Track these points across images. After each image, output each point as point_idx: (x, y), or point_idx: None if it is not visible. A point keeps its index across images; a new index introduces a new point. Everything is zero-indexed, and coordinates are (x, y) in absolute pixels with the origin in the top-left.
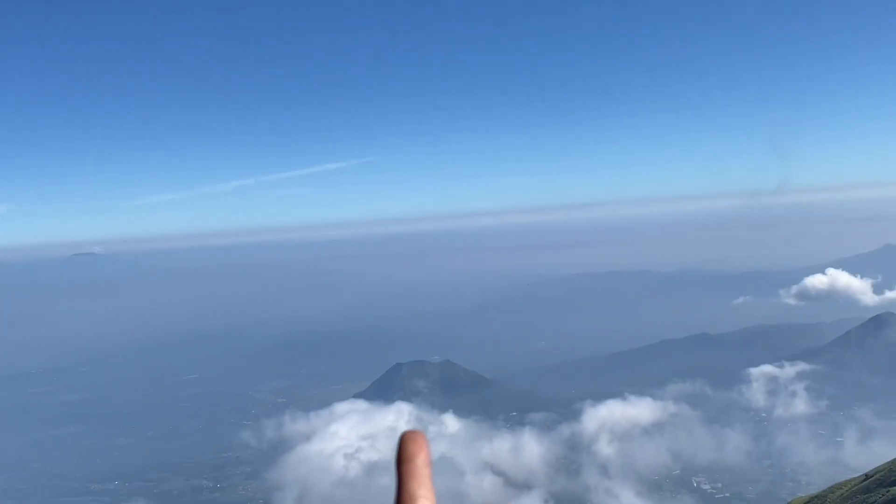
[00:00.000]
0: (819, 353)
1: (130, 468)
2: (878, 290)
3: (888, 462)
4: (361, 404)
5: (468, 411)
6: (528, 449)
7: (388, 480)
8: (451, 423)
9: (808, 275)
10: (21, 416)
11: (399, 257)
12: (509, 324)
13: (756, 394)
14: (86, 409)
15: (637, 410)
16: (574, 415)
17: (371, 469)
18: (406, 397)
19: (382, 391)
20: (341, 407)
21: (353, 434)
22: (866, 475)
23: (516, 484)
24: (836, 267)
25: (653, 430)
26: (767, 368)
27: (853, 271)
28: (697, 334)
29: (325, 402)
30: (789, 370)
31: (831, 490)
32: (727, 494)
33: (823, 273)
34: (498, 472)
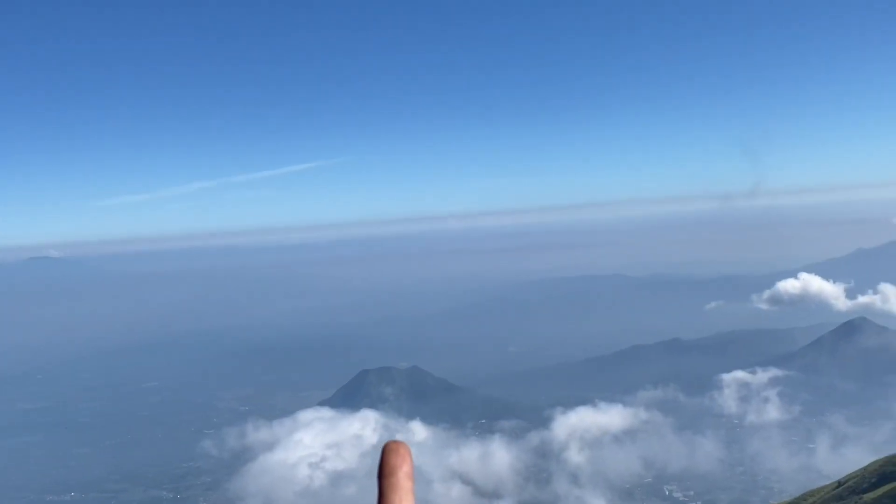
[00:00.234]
0: (791, 359)
1: (88, 478)
2: (850, 294)
3: (861, 469)
4: (326, 412)
5: (436, 419)
6: (498, 457)
7: (355, 490)
8: (419, 430)
9: (780, 279)
10: None
11: (367, 261)
12: (479, 329)
13: (728, 400)
14: (43, 417)
15: (608, 417)
16: (544, 422)
17: (336, 478)
18: (373, 405)
19: (348, 398)
20: (306, 415)
21: (318, 443)
22: (839, 482)
23: (485, 493)
24: (809, 271)
25: (624, 437)
26: (740, 374)
27: (826, 276)
28: (669, 340)
29: (289, 411)
30: (762, 376)
31: (804, 497)
32: (699, 503)
33: (796, 278)
34: (466, 481)
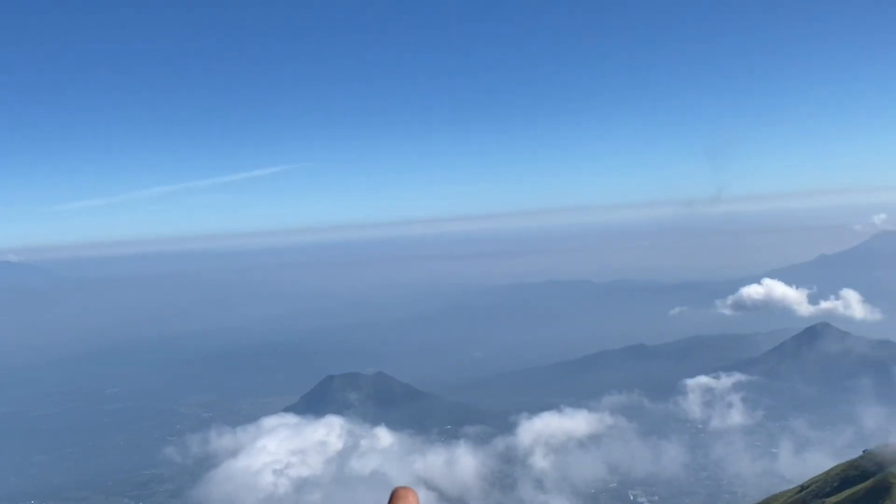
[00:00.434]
0: (755, 364)
1: (48, 486)
2: (813, 300)
3: (823, 473)
4: (291, 418)
5: (402, 424)
6: (463, 463)
7: (320, 497)
8: (384, 436)
9: (743, 285)
10: None
11: (331, 266)
12: (445, 335)
13: (692, 405)
14: (1, 423)
15: (573, 423)
16: (509, 427)
17: (301, 485)
18: (338, 410)
19: (313, 404)
20: (270, 421)
21: (283, 449)
22: (802, 486)
23: (450, 499)
24: (772, 277)
25: (589, 442)
26: (703, 379)
27: (789, 282)
28: (634, 345)
29: (252, 417)
30: (725, 381)
31: (767, 501)
32: None
33: (759, 283)
34: (432, 487)
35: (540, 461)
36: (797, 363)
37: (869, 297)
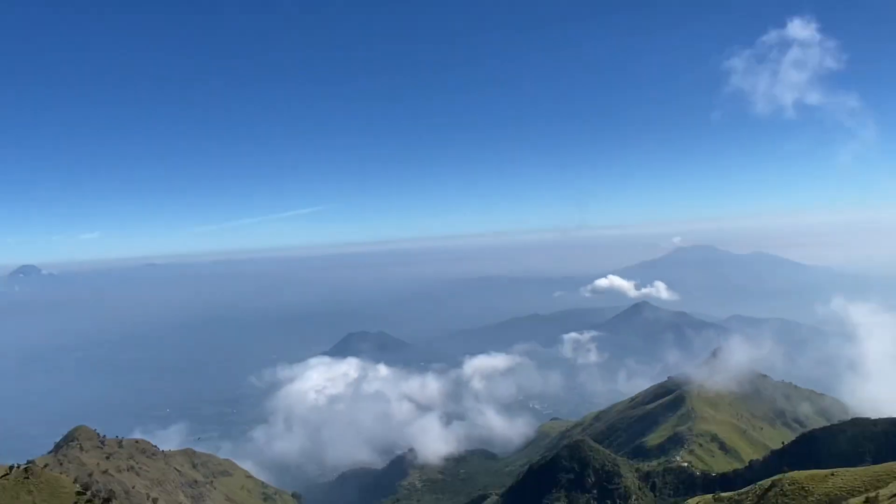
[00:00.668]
0: (603, 326)
1: (173, 399)
2: (637, 288)
3: (643, 391)
4: (326, 359)
5: (393, 363)
6: (430, 385)
7: (343, 406)
8: (383, 370)
9: (597, 278)
10: None
11: (347, 268)
12: (420, 308)
13: (567, 350)
14: (137, 365)
15: (496, 361)
16: (459, 364)
17: (332, 400)
18: (355, 354)
19: (339, 351)
20: (312, 361)
21: (320, 378)
22: (632, 398)
23: (423, 407)
24: (614, 274)
25: (506, 372)
26: (574, 335)
27: (624, 276)
28: (532, 314)
29: (301, 358)
30: (586, 336)
31: (612, 407)
32: (550, 412)
33: (606, 278)
34: (411, 400)
35: (477, 384)
36: (628, 325)
37: (671, 286)
